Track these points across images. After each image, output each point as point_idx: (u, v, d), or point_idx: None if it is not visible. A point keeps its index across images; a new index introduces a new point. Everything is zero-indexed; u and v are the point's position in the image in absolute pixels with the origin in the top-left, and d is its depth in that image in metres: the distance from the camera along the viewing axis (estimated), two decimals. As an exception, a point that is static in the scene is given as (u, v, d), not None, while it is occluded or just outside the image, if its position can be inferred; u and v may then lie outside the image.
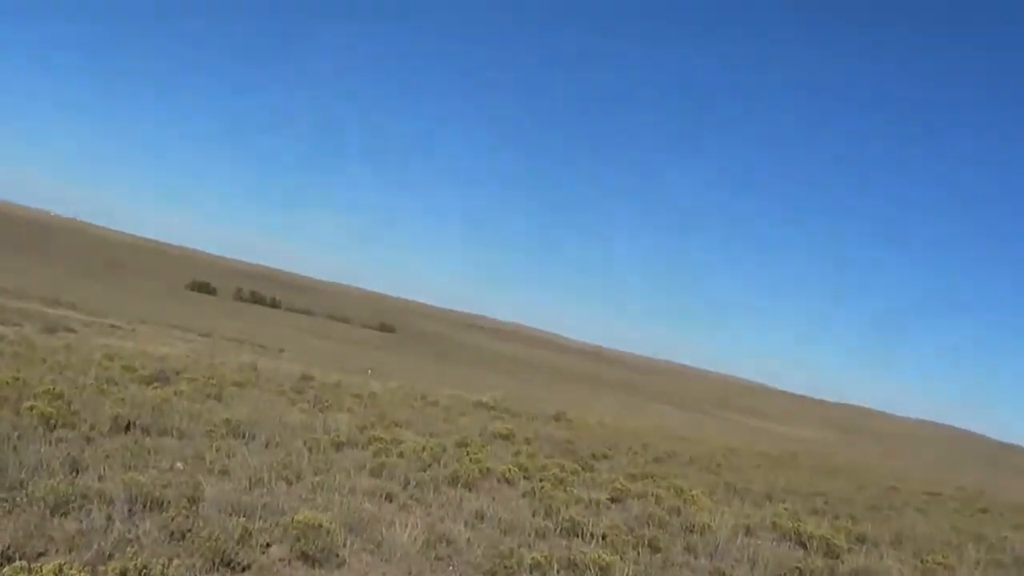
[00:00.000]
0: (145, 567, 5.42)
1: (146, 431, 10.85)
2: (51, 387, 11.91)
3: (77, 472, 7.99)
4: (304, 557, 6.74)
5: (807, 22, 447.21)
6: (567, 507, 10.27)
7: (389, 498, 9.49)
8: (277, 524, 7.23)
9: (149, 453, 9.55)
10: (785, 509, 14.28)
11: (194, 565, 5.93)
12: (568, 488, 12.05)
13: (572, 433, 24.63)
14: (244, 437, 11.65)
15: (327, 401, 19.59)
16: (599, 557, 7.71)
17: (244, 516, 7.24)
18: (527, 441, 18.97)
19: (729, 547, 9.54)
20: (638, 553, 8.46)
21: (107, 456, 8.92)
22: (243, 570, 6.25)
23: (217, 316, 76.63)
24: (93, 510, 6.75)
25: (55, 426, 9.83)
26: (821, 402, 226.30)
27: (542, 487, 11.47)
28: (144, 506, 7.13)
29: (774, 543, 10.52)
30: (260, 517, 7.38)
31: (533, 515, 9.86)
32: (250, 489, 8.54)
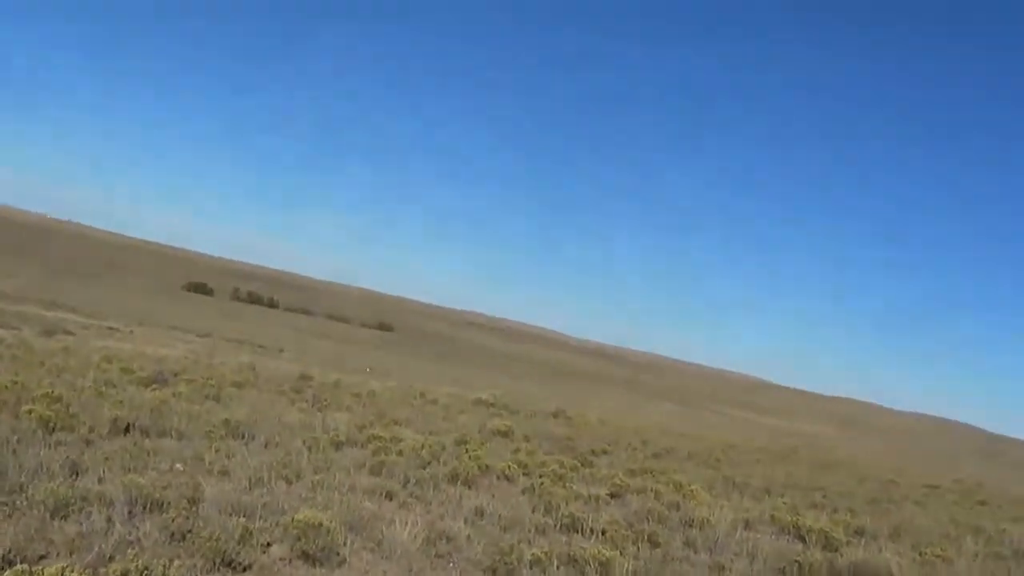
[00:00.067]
0: (146, 568, 5.43)
1: (145, 433, 10.86)
2: (50, 390, 11.91)
3: (77, 475, 8.00)
4: (305, 556, 6.75)
5: (807, 22, 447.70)
6: (567, 503, 10.30)
7: (389, 496, 9.51)
8: (277, 523, 7.25)
9: (148, 455, 9.56)
10: (784, 503, 14.33)
11: (195, 566, 5.94)
12: (567, 484, 12.08)
13: (571, 430, 24.67)
14: (243, 437, 11.67)
15: (326, 400, 19.61)
16: (599, 553, 7.73)
17: (244, 516, 7.26)
18: (526, 438, 19.00)
19: (728, 541, 9.58)
20: (638, 548, 8.49)
21: (106, 458, 8.93)
22: (244, 570, 6.27)
23: (215, 317, 76.56)
24: (93, 512, 6.76)
25: (54, 429, 9.84)
26: (819, 396, 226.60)
27: (542, 483, 11.50)
28: (144, 508, 7.14)
29: (773, 537, 10.57)
30: (260, 517, 7.39)
31: (533, 511, 9.88)
32: (250, 489, 8.56)
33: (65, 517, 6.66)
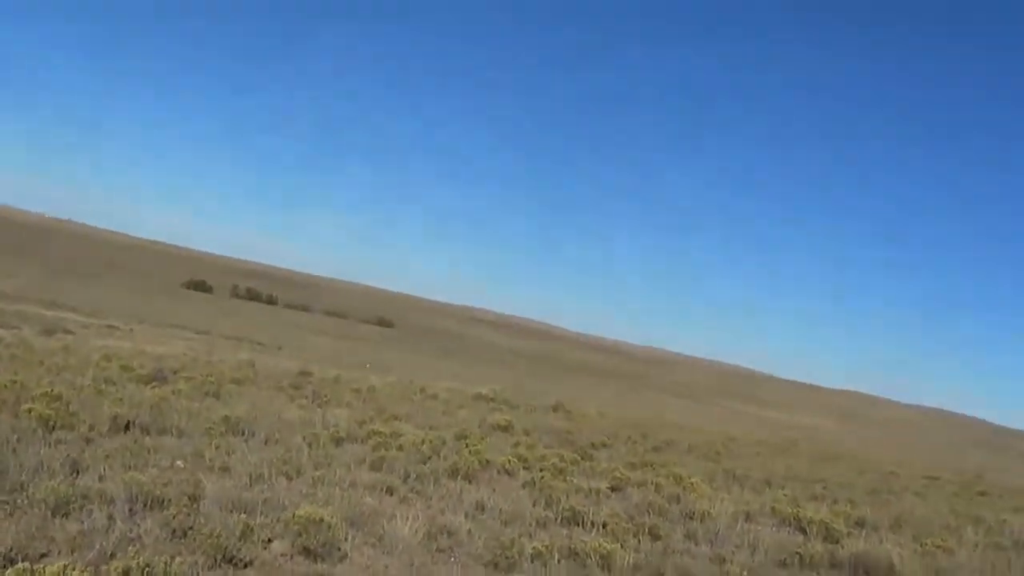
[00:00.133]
0: (147, 566, 5.44)
1: (145, 430, 10.86)
2: (49, 389, 11.92)
3: (77, 473, 8.00)
4: (306, 552, 6.76)
5: (807, 22, 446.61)
6: (567, 497, 10.30)
7: (390, 491, 9.52)
8: (278, 520, 7.26)
9: (149, 452, 9.56)
10: (784, 495, 14.34)
11: (196, 562, 5.95)
12: (568, 478, 12.09)
13: (571, 423, 24.68)
14: (243, 434, 11.67)
15: (326, 396, 19.61)
16: (600, 546, 7.75)
17: (245, 512, 7.27)
18: (526, 432, 19.01)
19: (729, 533, 9.59)
20: (638, 541, 8.50)
21: (107, 456, 8.94)
22: (245, 566, 6.27)
23: (214, 314, 76.56)
24: (94, 510, 6.77)
25: (54, 427, 9.84)
26: (819, 389, 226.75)
27: (542, 477, 11.51)
28: (145, 505, 7.15)
29: (774, 529, 10.58)
30: (261, 513, 7.40)
31: (533, 505, 9.90)
32: (250, 485, 8.56)
33: (66, 515, 6.67)
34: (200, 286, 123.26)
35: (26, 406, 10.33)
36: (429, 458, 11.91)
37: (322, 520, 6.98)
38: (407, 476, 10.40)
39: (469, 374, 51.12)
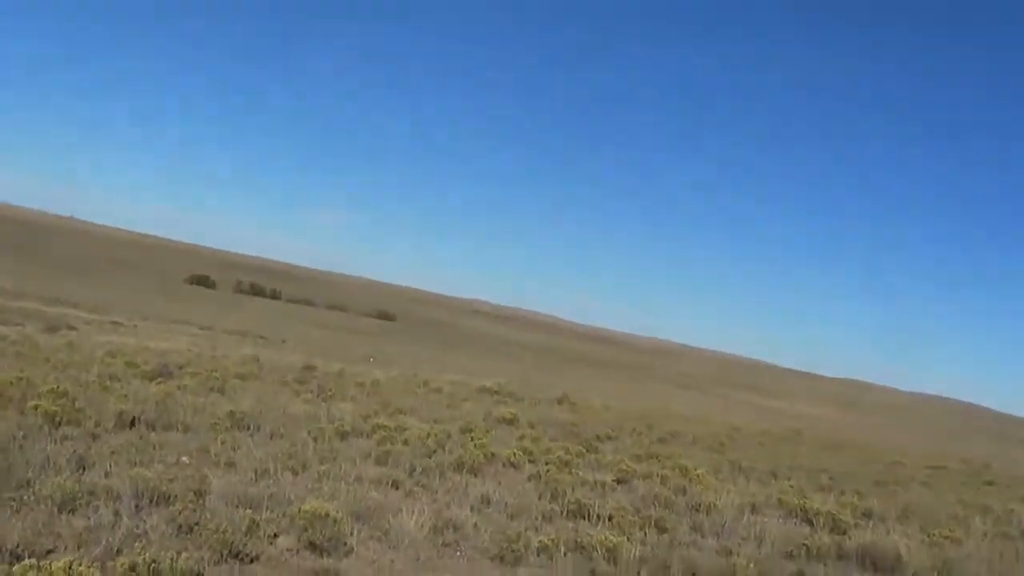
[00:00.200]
0: (154, 561, 5.43)
1: (151, 426, 10.87)
2: (55, 385, 11.93)
3: (83, 469, 8.01)
4: (312, 547, 6.75)
5: (807, 22, 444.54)
6: (573, 490, 10.29)
7: (395, 485, 9.52)
8: (284, 514, 7.25)
9: (154, 448, 9.58)
10: (790, 486, 14.33)
11: (202, 558, 5.94)
12: (573, 471, 12.08)
13: (576, 416, 24.68)
14: (248, 429, 11.68)
15: (330, 391, 19.62)
16: (606, 539, 7.73)
17: (251, 508, 7.27)
18: (531, 425, 19.01)
19: (735, 525, 9.57)
20: (645, 533, 8.49)
21: (113, 452, 8.94)
22: (251, 561, 6.27)
23: (217, 309, 76.61)
24: (100, 506, 6.77)
25: (60, 424, 9.85)
26: (819, 377, 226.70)
27: (547, 470, 11.50)
28: (151, 501, 7.16)
29: (780, 520, 10.56)
30: (267, 508, 7.40)
31: (539, 498, 9.89)
32: (256, 480, 8.56)
33: (72, 511, 6.67)
34: (203, 281, 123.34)
35: (32, 403, 10.35)
36: (434, 452, 11.90)
37: (328, 515, 6.98)
38: (412, 470, 10.40)
39: (473, 367, 51.12)
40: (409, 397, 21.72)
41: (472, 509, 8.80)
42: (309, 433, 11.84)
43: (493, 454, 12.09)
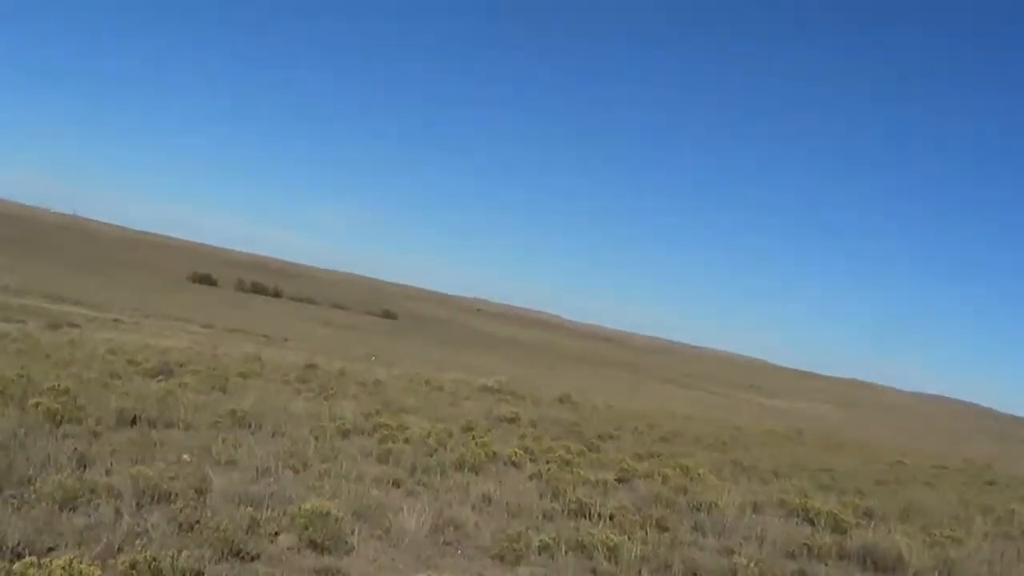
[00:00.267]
0: (154, 559, 5.43)
1: (152, 424, 10.88)
2: (56, 383, 11.94)
3: (84, 467, 8.01)
4: (313, 545, 6.75)
5: (807, 22, 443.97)
6: (574, 488, 10.28)
7: (396, 484, 9.52)
8: (285, 513, 7.25)
9: (155, 446, 9.58)
10: (792, 485, 14.32)
11: (203, 556, 5.93)
12: (575, 470, 12.07)
13: (577, 415, 24.68)
14: (250, 427, 11.69)
15: (332, 389, 19.63)
16: (607, 538, 7.72)
17: (252, 506, 7.26)
18: (533, 424, 19.01)
19: (737, 525, 9.57)
20: (646, 533, 8.47)
21: (114, 450, 8.95)
22: (252, 560, 6.26)
23: (220, 307, 76.69)
24: (101, 504, 6.78)
25: (61, 421, 9.86)
26: (823, 377, 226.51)
27: (549, 469, 11.49)
28: (152, 499, 7.16)
29: (782, 520, 10.54)
30: (268, 506, 7.39)
31: (540, 497, 9.88)
32: (257, 479, 8.56)
33: (73, 509, 6.67)
34: (205, 279, 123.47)
35: (33, 400, 10.35)
36: (435, 450, 11.90)
37: (329, 513, 6.97)
38: (414, 469, 10.40)
39: (475, 365, 51.13)
40: (411, 396, 21.72)
41: (473, 508, 8.80)
42: (310, 431, 11.84)
43: (494, 453, 12.09)
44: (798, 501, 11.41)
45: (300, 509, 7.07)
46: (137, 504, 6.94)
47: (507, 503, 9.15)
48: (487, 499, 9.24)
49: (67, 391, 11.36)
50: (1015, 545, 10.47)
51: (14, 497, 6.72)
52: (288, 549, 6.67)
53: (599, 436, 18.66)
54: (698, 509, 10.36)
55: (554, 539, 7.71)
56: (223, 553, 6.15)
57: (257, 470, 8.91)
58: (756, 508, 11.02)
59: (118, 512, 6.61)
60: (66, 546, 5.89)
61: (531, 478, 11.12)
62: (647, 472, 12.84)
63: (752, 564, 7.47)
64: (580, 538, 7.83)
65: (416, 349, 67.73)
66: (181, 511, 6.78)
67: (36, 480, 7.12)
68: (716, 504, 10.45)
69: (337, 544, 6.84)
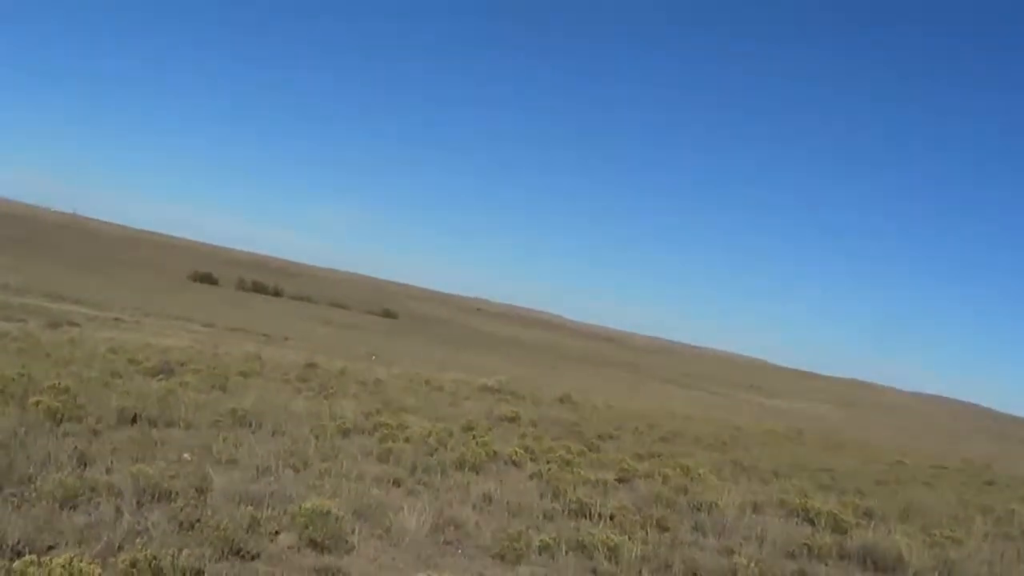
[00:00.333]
0: (155, 558, 5.43)
1: (152, 423, 10.88)
2: (57, 381, 11.94)
3: (85, 465, 8.01)
4: (313, 544, 6.75)
5: (807, 22, 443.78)
6: (574, 488, 10.28)
7: (396, 483, 9.52)
8: (285, 512, 7.25)
9: (156, 445, 9.58)
10: (792, 486, 14.32)
11: (203, 555, 5.93)
12: (575, 469, 12.07)
13: (578, 415, 24.69)
14: (250, 426, 11.69)
15: (332, 388, 19.64)
16: (607, 538, 7.72)
17: (252, 505, 7.26)
18: (533, 424, 19.02)
19: (737, 525, 9.57)
20: (646, 533, 8.48)
21: (114, 449, 8.95)
22: (252, 558, 6.27)
23: (220, 306, 76.71)
24: (102, 503, 6.78)
25: (62, 420, 9.86)
26: (823, 377, 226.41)
27: (549, 469, 11.50)
28: (152, 497, 7.16)
29: (782, 520, 10.54)
30: (268, 505, 7.39)
31: (541, 497, 9.88)
32: (258, 478, 8.57)
33: (74, 507, 6.68)
34: (206, 278, 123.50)
35: (33, 399, 10.35)
36: (436, 450, 11.90)
37: (329, 512, 6.97)
38: (414, 468, 10.40)
39: (475, 365, 51.14)
40: (411, 395, 21.73)
41: (474, 507, 8.80)
42: (311, 431, 11.85)
43: (495, 452, 12.09)
44: (798, 501, 11.41)
45: (300, 508, 7.07)
46: (137, 502, 6.94)
47: (507, 503, 9.15)
48: (487, 498, 9.24)
49: (67, 390, 11.36)
50: (1015, 545, 10.47)
51: (14, 495, 6.72)
52: (288, 548, 6.67)
53: (599, 436, 18.66)
54: (698, 509, 10.36)
55: (554, 539, 7.71)
56: (223, 552, 6.15)
57: (257, 469, 8.91)
58: (756, 508, 11.02)
59: (118, 510, 6.61)
60: (66, 544, 5.89)
61: (531, 478, 11.13)
62: (647, 472, 12.84)
63: (752, 564, 7.47)
64: (580, 538, 7.83)
65: (417, 349, 67.73)
66: (181, 510, 6.78)
67: (36, 478, 7.12)
68: (716, 504, 10.45)
69: (337, 543, 6.84)
